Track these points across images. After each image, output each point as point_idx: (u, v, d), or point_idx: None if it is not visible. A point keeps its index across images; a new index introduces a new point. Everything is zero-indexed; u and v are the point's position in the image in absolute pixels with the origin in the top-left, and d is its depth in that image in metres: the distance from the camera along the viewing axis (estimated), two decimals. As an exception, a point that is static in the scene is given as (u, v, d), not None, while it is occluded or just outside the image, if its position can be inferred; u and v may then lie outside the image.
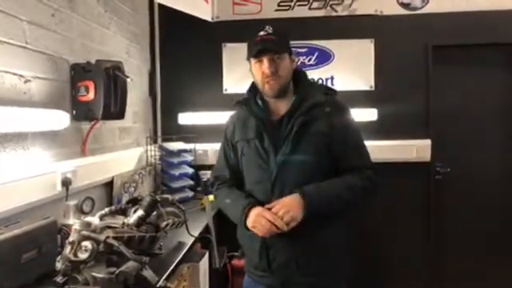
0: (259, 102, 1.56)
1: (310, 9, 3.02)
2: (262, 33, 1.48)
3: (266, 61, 1.44)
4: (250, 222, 1.42)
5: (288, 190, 1.41)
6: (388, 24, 2.97)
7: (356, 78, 2.99)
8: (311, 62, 2.97)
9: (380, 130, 2.83)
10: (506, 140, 3.04)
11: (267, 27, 1.49)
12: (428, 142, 2.97)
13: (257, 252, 1.48)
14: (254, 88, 1.59)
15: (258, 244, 1.47)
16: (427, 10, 2.94)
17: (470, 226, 3.04)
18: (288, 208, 1.35)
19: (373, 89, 2.99)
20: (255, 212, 1.40)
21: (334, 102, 1.52)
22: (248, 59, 1.52)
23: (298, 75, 1.57)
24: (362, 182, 1.46)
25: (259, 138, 1.48)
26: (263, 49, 1.44)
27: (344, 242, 1.52)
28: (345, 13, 3.00)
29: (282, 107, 1.51)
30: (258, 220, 1.38)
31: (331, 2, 3.00)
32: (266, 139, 1.47)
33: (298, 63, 2.84)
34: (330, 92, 1.55)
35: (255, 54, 1.46)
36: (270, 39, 1.45)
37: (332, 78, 2.98)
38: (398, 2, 2.97)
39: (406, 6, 2.97)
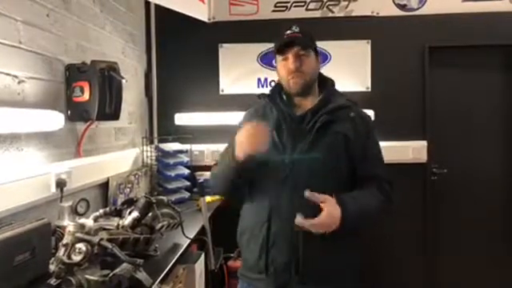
0: (284, 97, 1.54)
1: (306, 10, 3.02)
2: (288, 31, 1.47)
3: (291, 56, 1.44)
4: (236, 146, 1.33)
5: (302, 187, 1.34)
6: (384, 25, 2.97)
7: (352, 79, 2.99)
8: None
9: (376, 131, 2.83)
10: (502, 141, 3.05)
11: (294, 26, 1.48)
12: (424, 143, 2.97)
13: (256, 250, 1.44)
14: (277, 87, 1.57)
15: (259, 241, 1.43)
16: (424, 11, 2.95)
17: (465, 227, 3.04)
18: (329, 220, 1.30)
19: (369, 90, 3.00)
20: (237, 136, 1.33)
21: (358, 109, 1.53)
22: (274, 57, 1.52)
23: (325, 80, 1.57)
24: (384, 196, 1.44)
25: (278, 130, 1.45)
26: (288, 42, 1.44)
27: (353, 254, 1.47)
28: (341, 14, 3.00)
29: (306, 105, 1.50)
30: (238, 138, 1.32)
31: (328, 3, 3.00)
32: (285, 132, 1.44)
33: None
34: (353, 102, 1.54)
35: (280, 47, 1.45)
36: (295, 36, 1.45)
37: (328, 79, 2.98)
38: (394, 4, 2.98)
39: (402, 7, 2.98)
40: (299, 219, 1.29)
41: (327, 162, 1.41)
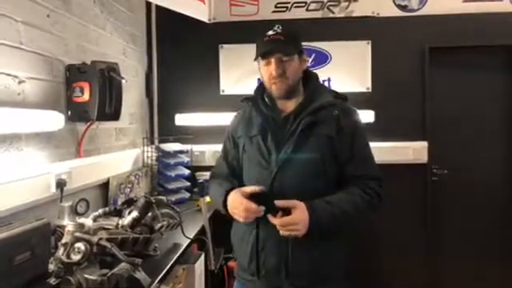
0: (266, 100, 1.53)
1: (307, 10, 3.02)
2: (270, 32, 1.43)
3: (273, 62, 1.41)
4: (229, 207, 1.41)
5: (288, 190, 1.37)
6: (385, 26, 2.97)
7: (353, 80, 2.99)
8: (308, 64, 2.96)
9: (377, 131, 2.82)
10: (503, 142, 3.04)
11: (276, 26, 1.44)
12: (424, 143, 2.97)
13: (247, 254, 1.45)
14: (261, 87, 1.56)
15: (250, 246, 1.45)
16: (424, 11, 2.95)
17: (466, 228, 3.04)
18: (296, 225, 1.31)
19: (369, 90, 3.00)
20: (232, 196, 1.40)
21: (344, 105, 1.49)
22: (256, 59, 1.48)
23: (309, 76, 1.54)
24: (369, 196, 1.41)
25: (262, 135, 1.45)
26: (270, 50, 1.41)
27: (342, 253, 1.47)
28: (342, 14, 3.00)
29: (289, 106, 1.48)
30: (234, 205, 1.39)
31: (328, 4, 3.00)
32: (269, 137, 1.44)
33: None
34: (340, 97, 1.51)
35: (262, 54, 1.43)
36: (278, 39, 1.41)
37: (329, 80, 2.98)
38: (394, 4, 2.98)
39: (402, 7, 2.97)
40: (269, 216, 1.34)
41: (312, 165, 1.40)
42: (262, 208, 1.33)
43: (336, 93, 1.53)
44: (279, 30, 1.43)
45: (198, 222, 2.18)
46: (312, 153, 1.40)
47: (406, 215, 2.99)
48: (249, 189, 1.39)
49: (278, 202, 1.33)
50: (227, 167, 1.59)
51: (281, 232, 1.32)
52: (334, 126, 1.42)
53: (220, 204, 1.45)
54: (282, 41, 1.41)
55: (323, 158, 1.41)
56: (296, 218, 1.31)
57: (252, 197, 1.36)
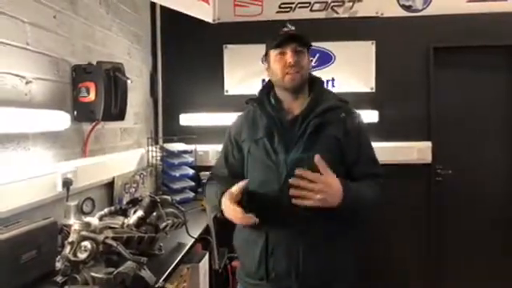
0: (272, 101, 1.54)
1: (311, 11, 3.03)
2: (284, 29, 1.49)
3: (289, 51, 1.43)
4: (225, 212, 1.39)
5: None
6: (389, 26, 2.97)
7: (357, 80, 2.99)
8: (312, 64, 2.97)
9: (381, 131, 2.83)
10: (507, 142, 3.03)
11: (288, 24, 1.50)
12: (429, 144, 2.96)
13: (256, 259, 1.43)
14: (266, 88, 1.58)
15: (258, 251, 1.42)
16: (428, 12, 2.94)
17: (470, 228, 3.03)
18: (328, 188, 1.27)
19: (374, 90, 3.00)
20: (223, 201, 1.38)
21: (348, 108, 1.51)
22: (267, 53, 1.51)
23: (313, 79, 1.56)
24: (379, 190, 1.45)
25: (269, 137, 1.45)
26: (286, 40, 1.44)
27: (351, 260, 1.48)
28: (346, 15, 3.00)
29: (295, 108, 1.49)
30: (227, 211, 1.37)
31: (332, 4, 3.01)
32: (276, 138, 1.43)
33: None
34: (343, 101, 1.53)
35: (279, 42, 1.44)
36: (293, 33, 1.46)
37: (333, 80, 2.99)
38: (399, 4, 2.97)
39: (407, 8, 2.97)
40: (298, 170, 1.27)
41: None
42: (251, 215, 1.32)
43: (338, 97, 1.55)
44: (293, 28, 1.49)
45: (203, 222, 2.19)
46: (321, 154, 1.37)
47: (410, 215, 2.99)
48: (235, 188, 1.36)
49: (319, 160, 1.28)
50: (228, 169, 1.59)
51: (306, 202, 1.26)
52: (341, 128, 1.44)
53: (216, 209, 1.45)
54: (297, 34, 1.46)
55: (331, 159, 1.39)
56: (329, 180, 1.28)
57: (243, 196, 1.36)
